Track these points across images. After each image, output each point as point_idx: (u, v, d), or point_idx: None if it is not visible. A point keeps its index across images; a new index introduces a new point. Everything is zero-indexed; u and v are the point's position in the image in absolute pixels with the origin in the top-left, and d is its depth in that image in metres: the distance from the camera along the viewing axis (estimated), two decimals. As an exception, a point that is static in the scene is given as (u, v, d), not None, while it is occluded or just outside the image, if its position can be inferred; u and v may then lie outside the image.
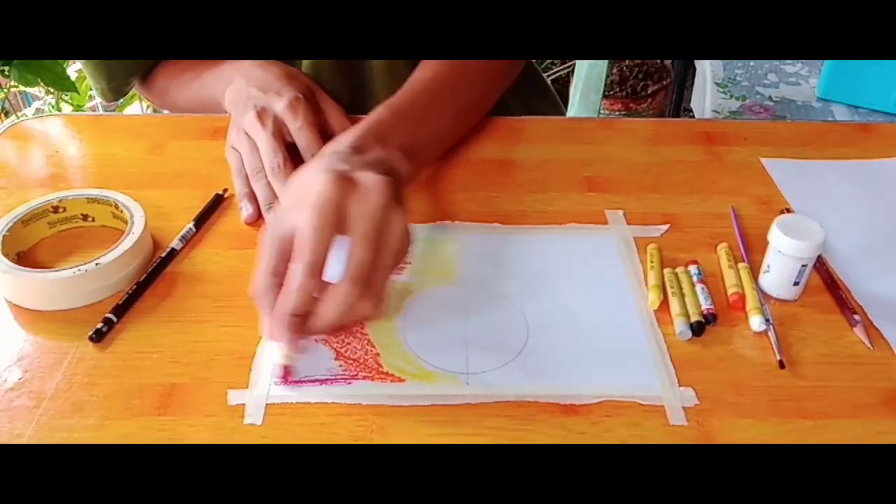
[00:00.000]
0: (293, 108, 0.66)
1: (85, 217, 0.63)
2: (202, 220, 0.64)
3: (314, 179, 0.50)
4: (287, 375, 0.51)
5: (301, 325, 0.49)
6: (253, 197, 0.65)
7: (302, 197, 0.50)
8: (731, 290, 0.58)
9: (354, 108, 0.75)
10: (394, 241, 0.50)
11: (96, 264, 0.55)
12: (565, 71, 2.11)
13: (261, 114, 0.66)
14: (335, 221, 0.48)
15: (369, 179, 0.50)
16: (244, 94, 0.69)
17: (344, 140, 0.57)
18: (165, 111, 0.90)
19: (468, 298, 0.58)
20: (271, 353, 0.52)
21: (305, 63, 0.80)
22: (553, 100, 1.00)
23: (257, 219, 0.65)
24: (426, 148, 0.64)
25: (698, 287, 0.58)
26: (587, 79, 1.89)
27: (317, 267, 0.48)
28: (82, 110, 1.66)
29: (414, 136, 0.61)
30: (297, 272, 0.48)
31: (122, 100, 1.85)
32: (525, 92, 0.92)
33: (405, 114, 0.62)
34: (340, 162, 0.52)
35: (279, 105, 0.67)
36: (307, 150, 0.65)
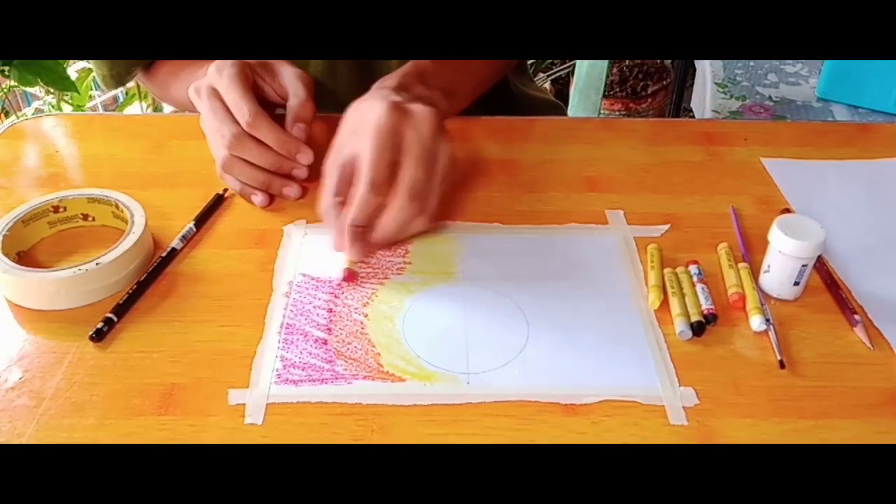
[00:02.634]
0: (219, 70, 0.66)
1: (85, 217, 0.63)
2: (203, 219, 0.64)
3: (372, 109, 0.57)
4: (350, 278, 0.58)
5: (363, 235, 0.57)
6: (253, 186, 0.66)
7: (361, 125, 0.57)
8: (731, 290, 0.58)
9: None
10: (443, 164, 0.58)
11: (97, 264, 0.55)
12: (565, 71, 2.11)
13: (198, 90, 0.67)
14: (393, 145, 0.56)
15: (421, 109, 0.57)
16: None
17: (389, 80, 0.63)
18: (166, 107, 0.90)
19: (468, 298, 0.58)
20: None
21: (319, 63, 0.80)
22: (552, 102, 1.01)
23: (270, 201, 0.67)
24: (463, 90, 0.72)
25: (698, 287, 0.58)
26: (587, 79, 1.89)
27: (377, 184, 0.55)
28: (82, 110, 1.66)
29: (451, 80, 0.68)
30: (360, 189, 0.56)
31: (122, 101, 1.86)
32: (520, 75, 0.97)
33: (441, 63, 0.68)
34: (391, 95, 0.59)
35: (212, 75, 0.66)
36: (235, 107, 0.64)
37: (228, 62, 0.66)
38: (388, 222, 0.56)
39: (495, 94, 0.91)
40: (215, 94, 0.65)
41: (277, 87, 0.69)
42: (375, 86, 0.63)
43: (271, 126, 0.64)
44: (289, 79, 0.69)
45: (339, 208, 0.58)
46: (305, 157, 0.66)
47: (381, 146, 0.55)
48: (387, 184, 0.56)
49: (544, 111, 0.98)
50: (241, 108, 0.63)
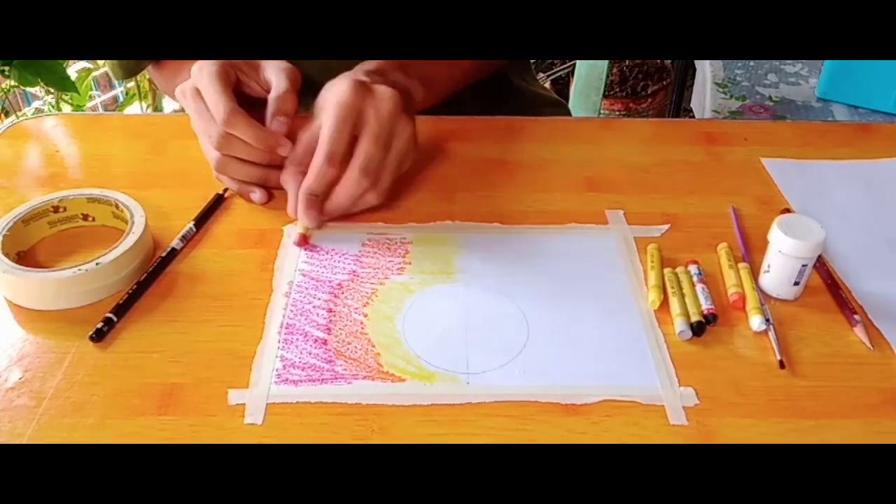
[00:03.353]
0: (200, 69, 0.65)
1: (85, 217, 0.63)
2: (202, 219, 0.64)
3: (338, 86, 0.61)
4: (303, 242, 0.62)
5: (318, 203, 0.61)
6: (250, 183, 0.66)
7: (326, 100, 0.61)
8: (731, 290, 0.58)
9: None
10: (400, 145, 0.61)
11: (97, 264, 0.55)
12: (565, 71, 2.11)
13: (183, 92, 0.66)
14: (352, 120, 0.59)
15: (383, 90, 0.61)
16: None
17: (368, 64, 0.66)
18: (166, 107, 0.91)
19: (468, 298, 0.58)
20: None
21: (315, 62, 0.80)
22: (553, 99, 1.01)
23: (270, 197, 0.67)
24: (444, 81, 0.75)
25: (698, 287, 0.58)
26: (587, 79, 1.89)
27: (335, 156, 0.59)
28: (82, 110, 1.66)
29: (433, 70, 0.71)
30: (317, 159, 0.60)
31: (122, 101, 1.86)
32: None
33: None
34: (361, 75, 0.63)
35: (194, 74, 0.66)
36: (213, 105, 0.64)
37: (209, 61, 0.65)
38: (340, 194, 0.60)
39: (497, 89, 0.92)
40: (198, 94, 0.65)
41: (262, 82, 0.69)
42: (355, 68, 0.66)
43: (248, 123, 0.63)
44: (272, 72, 0.68)
45: (299, 177, 0.61)
46: (285, 150, 0.65)
47: (340, 121, 0.59)
48: (343, 157, 0.60)
49: (547, 108, 0.97)
50: (218, 105, 0.63)
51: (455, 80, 0.78)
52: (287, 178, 0.63)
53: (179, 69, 0.81)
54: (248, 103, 0.65)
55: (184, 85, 0.67)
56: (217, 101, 0.63)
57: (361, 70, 0.65)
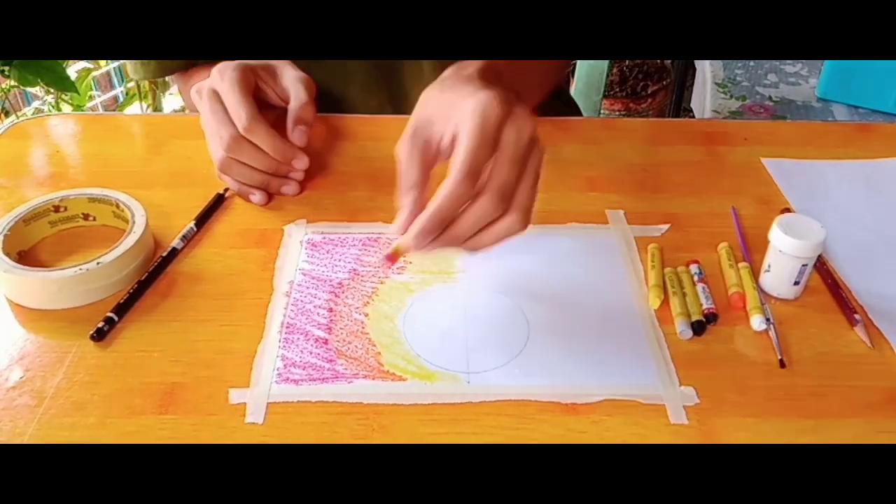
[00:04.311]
0: (220, 73, 0.66)
1: (86, 216, 0.63)
2: (203, 219, 0.64)
3: (473, 95, 0.51)
4: (393, 259, 0.51)
5: (444, 225, 0.50)
6: (251, 186, 0.66)
7: (453, 109, 0.52)
8: (731, 290, 0.58)
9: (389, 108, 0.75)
10: (537, 168, 0.52)
11: (97, 263, 0.55)
12: (565, 70, 2.11)
13: (199, 91, 0.67)
14: (494, 140, 0.50)
15: (523, 109, 0.52)
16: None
17: (469, 69, 0.57)
18: (166, 107, 0.91)
19: (469, 298, 0.58)
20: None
21: (333, 66, 0.80)
22: (567, 97, 1.00)
23: (269, 199, 0.67)
24: (527, 92, 0.64)
25: (699, 286, 0.58)
26: (587, 79, 1.89)
27: (473, 174, 0.49)
28: (82, 110, 1.66)
29: (518, 80, 0.61)
30: (454, 176, 0.49)
31: (122, 101, 1.86)
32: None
33: (509, 63, 0.62)
34: (490, 86, 0.53)
35: (214, 77, 0.66)
36: (233, 110, 0.64)
37: (231, 65, 0.66)
38: (468, 220, 0.50)
39: None
40: (216, 96, 0.65)
41: (279, 91, 0.70)
42: (450, 71, 0.58)
43: (268, 132, 0.64)
44: (290, 82, 0.69)
45: (416, 191, 0.51)
46: (301, 162, 0.66)
47: (483, 135, 0.50)
48: (479, 178, 0.50)
49: (558, 106, 0.97)
50: (239, 112, 0.64)
51: (536, 97, 0.73)
52: (407, 192, 0.51)
53: (197, 71, 0.82)
54: (260, 108, 0.66)
55: (201, 84, 0.67)
56: (238, 107, 0.64)
57: (472, 77, 0.55)
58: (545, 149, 0.53)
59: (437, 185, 0.50)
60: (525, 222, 0.52)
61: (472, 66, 0.57)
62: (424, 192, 0.51)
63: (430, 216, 0.49)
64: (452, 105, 0.52)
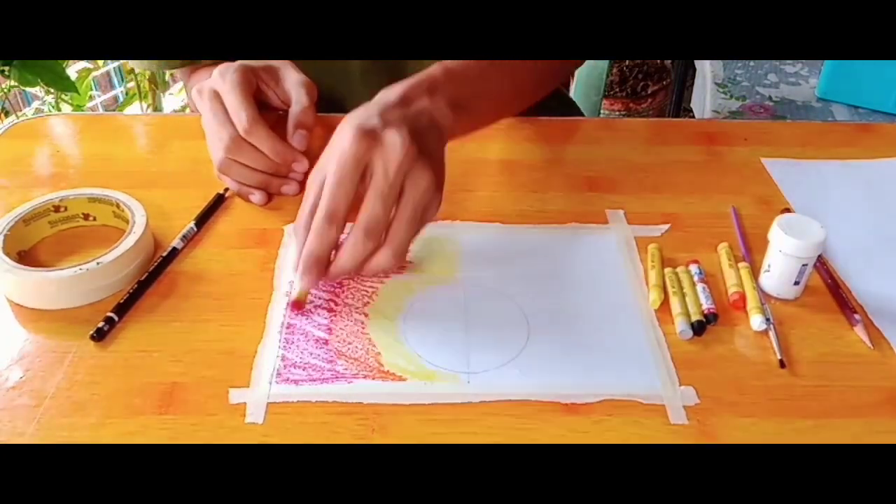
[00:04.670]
0: (222, 75, 0.66)
1: (86, 216, 0.63)
2: (203, 219, 0.64)
3: (344, 133, 0.53)
4: (297, 307, 0.56)
5: (320, 265, 0.53)
6: (251, 186, 0.66)
7: (334, 148, 0.54)
8: (731, 290, 0.58)
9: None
10: (415, 197, 0.52)
11: (97, 263, 0.55)
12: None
13: (200, 91, 0.67)
14: (355, 175, 0.52)
15: (392, 137, 0.52)
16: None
17: (394, 90, 0.58)
18: (166, 107, 0.91)
19: (469, 298, 0.58)
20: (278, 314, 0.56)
21: (333, 66, 0.80)
22: (567, 98, 1.01)
23: (269, 199, 0.67)
24: (478, 105, 0.63)
25: (699, 286, 0.58)
26: (587, 79, 1.89)
27: (335, 215, 0.52)
28: (82, 110, 1.66)
29: (466, 92, 0.61)
30: (316, 219, 0.52)
31: (122, 101, 1.86)
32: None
33: (459, 72, 0.62)
34: (374, 116, 0.54)
35: (215, 77, 0.67)
36: (234, 112, 0.64)
37: (232, 66, 0.66)
38: (343, 257, 0.53)
39: None
40: (216, 96, 0.65)
41: (281, 93, 0.70)
42: (378, 96, 0.58)
43: (268, 134, 0.64)
44: (292, 85, 0.69)
45: (305, 232, 0.54)
46: (301, 165, 0.66)
47: (341, 176, 0.52)
48: (345, 216, 0.52)
49: (555, 107, 0.97)
50: (240, 113, 0.64)
51: (494, 105, 0.67)
52: (296, 232, 0.55)
53: (202, 67, 0.82)
54: (260, 109, 0.66)
55: (202, 85, 0.67)
56: (239, 109, 0.64)
57: (374, 107, 0.56)
58: (428, 172, 0.53)
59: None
60: (397, 258, 0.53)
61: (398, 87, 0.58)
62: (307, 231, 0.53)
63: (303, 259, 0.53)
64: (335, 144, 0.54)
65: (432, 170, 0.53)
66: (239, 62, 0.68)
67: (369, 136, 0.52)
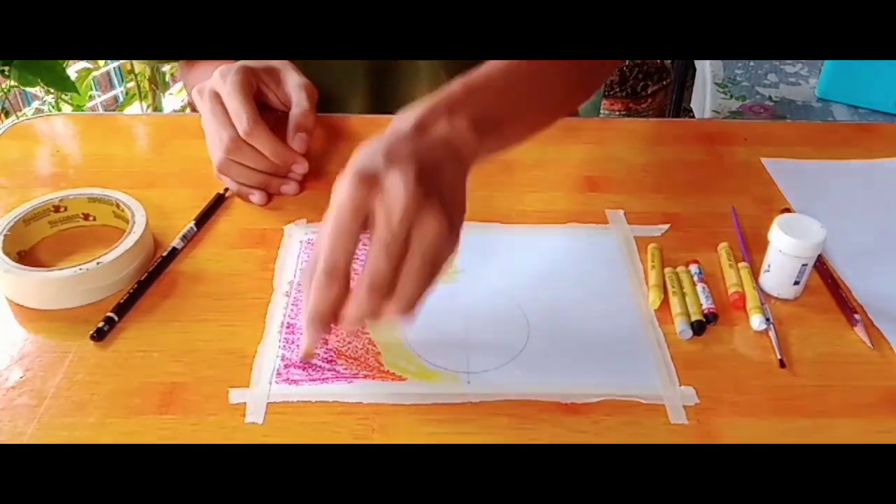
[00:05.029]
0: (223, 76, 0.66)
1: (86, 216, 0.63)
2: (203, 219, 0.64)
3: (343, 179, 0.48)
4: (306, 361, 0.52)
5: (325, 324, 0.48)
6: (251, 186, 0.66)
7: (334, 196, 0.48)
8: (731, 290, 0.58)
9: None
10: (422, 248, 0.47)
11: (97, 263, 0.56)
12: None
13: (201, 92, 0.67)
14: (354, 226, 0.47)
15: (394, 182, 0.47)
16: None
17: (409, 117, 0.51)
18: (166, 107, 0.91)
19: (469, 297, 0.58)
20: (272, 350, 0.53)
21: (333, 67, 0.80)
22: None
23: (269, 199, 0.67)
24: (505, 122, 0.57)
25: (699, 286, 0.58)
26: (587, 79, 1.89)
27: (335, 271, 0.47)
28: (82, 110, 1.66)
29: (490, 109, 0.55)
30: (317, 274, 0.47)
31: (122, 101, 1.85)
32: None
33: (481, 87, 0.56)
34: (378, 155, 0.48)
35: (216, 79, 0.67)
36: (235, 113, 0.64)
37: (233, 67, 0.66)
38: (349, 313, 0.48)
39: None
40: (217, 97, 0.65)
41: (281, 95, 0.70)
42: (392, 124, 0.52)
43: (268, 136, 0.64)
44: (293, 87, 0.69)
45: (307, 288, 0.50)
46: (301, 167, 0.67)
47: (338, 228, 0.47)
48: (346, 270, 0.48)
49: None
50: (241, 114, 0.64)
51: (535, 113, 0.62)
52: (303, 286, 0.52)
53: (201, 62, 0.82)
54: (259, 110, 0.66)
55: (202, 85, 0.67)
56: (240, 110, 0.64)
57: (388, 139, 0.50)
58: (438, 216, 0.47)
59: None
60: (405, 311, 0.48)
61: (417, 111, 0.52)
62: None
63: (307, 321, 0.48)
64: (335, 192, 0.49)
65: (443, 212, 0.47)
66: (239, 63, 0.68)
67: (369, 182, 0.47)
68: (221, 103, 0.65)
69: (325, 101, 0.74)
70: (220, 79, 0.66)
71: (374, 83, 0.84)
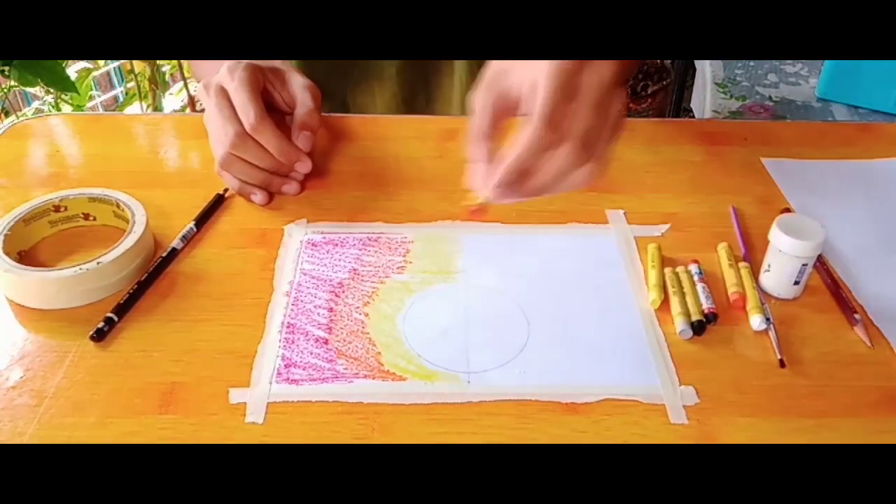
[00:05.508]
0: (231, 71, 0.66)
1: (86, 216, 0.63)
2: (203, 219, 0.64)
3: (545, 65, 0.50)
4: (480, 214, 0.52)
5: (520, 180, 0.50)
6: (252, 184, 0.66)
7: (528, 64, 0.50)
8: (731, 290, 0.58)
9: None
10: (615, 115, 0.51)
11: (98, 263, 0.56)
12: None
13: (207, 87, 0.67)
14: (573, 86, 0.49)
15: (599, 66, 0.50)
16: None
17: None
18: (166, 107, 0.91)
19: (469, 297, 0.58)
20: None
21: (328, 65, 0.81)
22: None
23: (270, 199, 0.67)
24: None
25: (699, 286, 0.58)
26: (587, 79, 1.89)
27: (554, 121, 0.48)
28: (82, 110, 1.66)
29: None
30: (534, 125, 0.48)
31: (122, 101, 1.86)
32: None
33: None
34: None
35: (223, 74, 0.67)
36: (242, 108, 0.64)
37: (241, 64, 0.66)
38: (550, 169, 0.50)
39: None
40: (223, 93, 0.66)
41: (286, 96, 0.70)
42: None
43: (274, 132, 0.64)
44: (298, 88, 0.69)
45: (487, 142, 0.51)
46: (304, 166, 0.67)
47: (562, 81, 0.48)
48: (561, 125, 0.49)
49: None
50: (248, 110, 0.64)
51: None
52: (477, 140, 0.52)
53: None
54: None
55: (208, 80, 0.68)
56: (247, 106, 0.64)
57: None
58: (625, 91, 0.51)
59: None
60: (602, 172, 0.51)
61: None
62: (494, 142, 0.51)
63: (510, 168, 0.49)
64: (529, 63, 0.51)
65: (624, 95, 0.53)
66: (247, 61, 0.68)
67: (576, 64, 0.50)
68: (228, 98, 0.65)
69: (353, 100, 0.74)
70: (227, 74, 0.66)
71: (406, 81, 0.84)
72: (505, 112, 0.52)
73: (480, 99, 0.52)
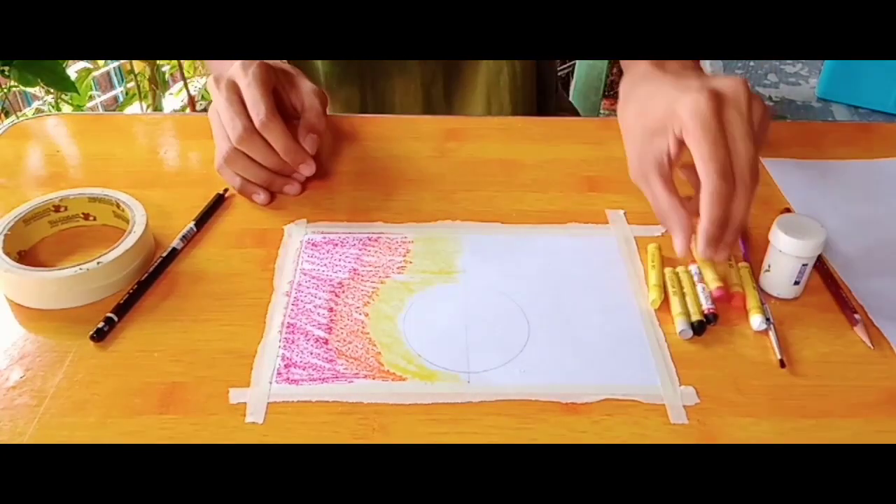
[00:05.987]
0: (244, 68, 0.66)
1: (86, 216, 0.63)
2: (203, 219, 0.64)
3: (678, 100, 0.54)
4: (726, 297, 0.57)
5: (722, 233, 0.53)
6: (254, 183, 0.66)
7: (667, 117, 0.55)
8: (731, 290, 0.58)
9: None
10: (765, 128, 0.56)
11: (98, 263, 0.55)
12: (565, 71, 2.11)
13: (217, 81, 0.67)
14: (721, 132, 0.52)
15: (729, 84, 0.54)
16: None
17: (672, 66, 0.62)
18: (166, 107, 0.91)
19: (469, 297, 0.58)
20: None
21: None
22: (566, 103, 1.02)
23: (272, 199, 0.67)
24: None
25: (699, 286, 0.58)
26: (587, 79, 1.89)
27: (727, 172, 0.52)
28: (82, 110, 1.66)
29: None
30: (711, 182, 0.52)
31: (122, 101, 1.86)
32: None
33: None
34: (683, 79, 0.57)
35: (236, 70, 0.67)
36: (253, 104, 0.64)
37: (255, 62, 0.66)
38: (740, 207, 0.53)
39: (546, 93, 0.94)
40: (234, 87, 0.65)
41: (294, 99, 0.70)
42: (637, 77, 0.65)
43: (283, 131, 0.64)
44: (306, 92, 0.70)
45: (679, 210, 0.55)
46: (308, 168, 0.67)
47: (714, 134, 0.52)
48: (729, 169, 0.52)
49: (553, 111, 0.98)
50: (259, 105, 0.64)
51: None
52: (671, 214, 0.56)
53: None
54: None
55: (219, 74, 0.68)
56: (258, 102, 0.64)
57: (665, 73, 0.61)
58: (762, 101, 0.55)
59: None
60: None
61: (674, 65, 0.62)
62: (685, 205, 0.55)
63: (709, 227, 0.52)
64: (663, 115, 0.56)
65: (761, 99, 0.56)
66: (260, 60, 0.68)
67: (712, 92, 0.53)
68: (239, 93, 0.65)
69: (375, 100, 0.74)
70: (240, 70, 0.66)
71: (427, 66, 0.85)
72: (669, 177, 0.56)
73: (644, 180, 0.58)
